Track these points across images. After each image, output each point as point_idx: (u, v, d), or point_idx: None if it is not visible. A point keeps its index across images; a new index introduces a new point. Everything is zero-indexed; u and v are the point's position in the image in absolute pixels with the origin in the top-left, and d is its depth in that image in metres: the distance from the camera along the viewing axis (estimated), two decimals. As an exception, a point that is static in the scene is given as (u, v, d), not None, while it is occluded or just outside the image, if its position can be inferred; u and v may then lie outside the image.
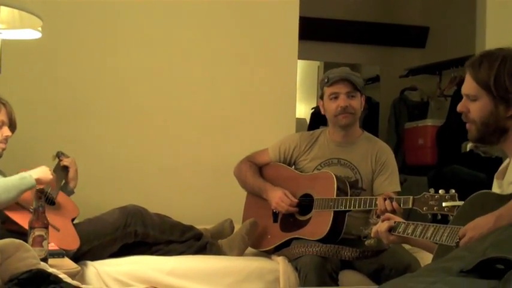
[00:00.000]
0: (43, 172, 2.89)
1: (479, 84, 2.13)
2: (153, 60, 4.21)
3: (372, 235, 2.53)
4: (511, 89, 2.08)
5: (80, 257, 2.89)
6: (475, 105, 2.15)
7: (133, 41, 4.17)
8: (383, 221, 2.48)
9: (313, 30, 6.23)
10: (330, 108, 3.23)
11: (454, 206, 2.44)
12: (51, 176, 2.90)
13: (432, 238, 2.19)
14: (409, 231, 2.35)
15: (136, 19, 4.19)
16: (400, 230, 2.40)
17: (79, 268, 2.61)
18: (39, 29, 2.89)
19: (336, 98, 3.21)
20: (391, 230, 2.44)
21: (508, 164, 2.18)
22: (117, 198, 3.42)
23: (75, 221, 3.08)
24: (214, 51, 4.31)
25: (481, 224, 1.91)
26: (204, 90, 4.28)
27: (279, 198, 3.19)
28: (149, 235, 3.09)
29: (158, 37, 4.22)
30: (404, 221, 2.41)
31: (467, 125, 2.22)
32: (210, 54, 4.30)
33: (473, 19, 4.93)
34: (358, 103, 3.24)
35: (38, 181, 2.83)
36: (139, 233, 3.06)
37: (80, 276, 2.66)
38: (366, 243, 2.61)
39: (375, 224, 2.54)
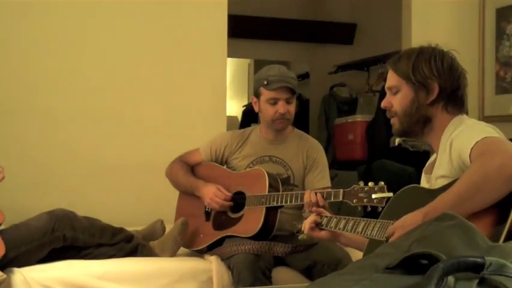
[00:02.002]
0: None
1: (399, 75, 2.23)
2: (81, 59, 4.14)
3: (305, 230, 2.54)
4: (430, 74, 2.18)
5: (6, 264, 2.81)
6: (397, 97, 2.23)
7: (60, 40, 4.08)
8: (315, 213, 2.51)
9: (242, 28, 6.24)
10: (268, 112, 3.24)
11: (383, 198, 2.47)
12: None
13: (363, 233, 2.22)
14: (340, 226, 2.37)
15: (61, 18, 4.10)
16: (331, 224, 2.42)
17: (5, 276, 2.55)
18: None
19: (275, 103, 3.21)
20: (321, 225, 2.46)
21: (435, 158, 2.23)
22: (44, 203, 3.33)
23: (1, 228, 2.99)
24: (142, 50, 4.26)
25: (409, 221, 1.93)
26: (132, 90, 4.23)
27: (213, 194, 3.18)
28: (78, 239, 3.03)
29: (88, 37, 4.15)
30: (336, 216, 2.44)
31: (392, 120, 2.28)
32: (139, 53, 4.25)
33: (399, 16, 5.02)
34: (294, 107, 3.27)
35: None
36: (68, 237, 2.99)
37: (6, 284, 2.59)
38: (299, 237, 2.62)
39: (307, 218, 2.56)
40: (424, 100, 2.19)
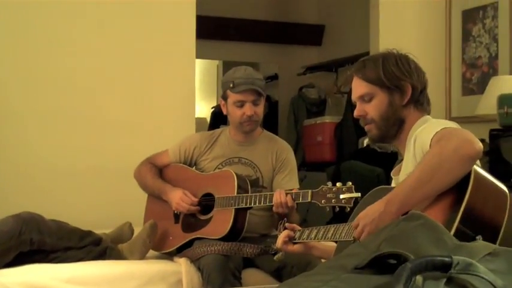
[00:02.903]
0: None
1: (370, 82, 2.24)
2: (47, 60, 4.09)
3: (279, 246, 2.54)
4: (401, 75, 2.22)
5: (-29, 269, 2.77)
6: (372, 104, 2.24)
7: (26, 42, 4.04)
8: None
9: (211, 29, 6.24)
10: (235, 114, 3.23)
11: (351, 198, 2.50)
12: None
13: (333, 237, 2.25)
14: (312, 236, 2.40)
15: (28, 19, 4.06)
16: (304, 236, 2.45)
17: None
18: None
19: (242, 105, 3.21)
20: (294, 239, 2.47)
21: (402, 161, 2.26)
22: (10, 206, 3.29)
23: (-34, 231, 2.95)
24: (110, 52, 4.22)
25: (372, 210, 1.99)
26: (100, 92, 4.19)
27: (179, 198, 3.17)
28: (46, 242, 2.99)
29: (54, 38, 4.11)
30: (308, 228, 2.46)
31: (367, 127, 2.29)
32: (106, 54, 4.21)
33: (367, 17, 5.06)
34: (262, 109, 3.27)
35: None
36: (35, 241, 2.96)
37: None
38: (275, 258, 2.63)
39: None
40: (399, 102, 2.22)
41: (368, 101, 2.25)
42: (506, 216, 1.83)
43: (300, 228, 2.53)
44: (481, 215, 1.80)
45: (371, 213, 1.98)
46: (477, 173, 1.85)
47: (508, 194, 1.88)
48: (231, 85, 3.20)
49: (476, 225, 1.74)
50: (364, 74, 2.25)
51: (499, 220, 1.82)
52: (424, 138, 2.01)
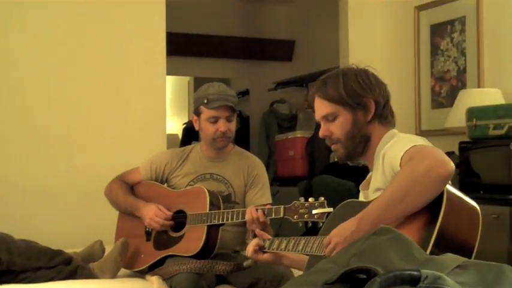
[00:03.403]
0: None
1: (333, 101, 2.22)
2: (9, 77, 4.04)
3: (249, 254, 2.54)
4: (363, 92, 2.19)
5: None
6: (336, 124, 2.22)
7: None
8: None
9: (181, 46, 6.24)
10: (209, 130, 3.22)
11: (323, 213, 2.49)
12: None
13: (303, 250, 2.23)
14: (282, 247, 2.38)
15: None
16: (274, 246, 2.43)
17: None
18: None
19: (216, 121, 3.20)
20: (263, 247, 2.46)
21: (371, 175, 2.25)
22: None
23: None
24: (80, 67, 4.20)
25: (344, 228, 1.97)
26: (70, 109, 4.16)
27: (153, 213, 3.14)
28: (15, 262, 2.95)
29: (19, 55, 4.07)
30: (278, 238, 2.45)
31: (333, 147, 2.27)
32: (76, 70, 4.19)
33: (337, 32, 5.10)
34: (235, 125, 3.27)
35: None
36: (3, 261, 2.91)
37: None
38: (244, 264, 2.62)
39: None
40: (363, 119, 2.20)
41: (332, 121, 2.22)
42: (479, 235, 1.84)
43: (270, 236, 2.52)
44: (454, 237, 1.81)
45: (343, 231, 1.97)
46: (449, 194, 1.85)
47: (479, 212, 1.89)
48: (205, 101, 3.20)
49: (450, 247, 1.73)
50: (325, 93, 2.23)
51: (472, 240, 1.83)
52: (394, 156, 2.00)
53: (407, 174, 1.88)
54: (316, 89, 2.27)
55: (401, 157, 1.95)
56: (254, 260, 2.54)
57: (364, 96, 2.19)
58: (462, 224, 1.86)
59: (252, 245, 2.50)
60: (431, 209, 1.85)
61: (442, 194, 1.84)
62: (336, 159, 2.33)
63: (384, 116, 2.23)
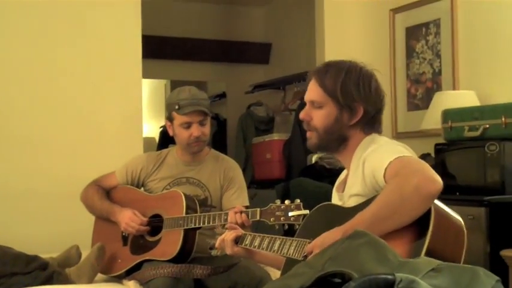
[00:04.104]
0: None
1: (326, 91, 2.18)
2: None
3: (217, 245, 2.53)
4: (357, 97, 2.16)
5: None
6: (319, 112, 2.19)
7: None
8: (230, 230, 2.50)
9: (158, 49, 6.22)
10: (182, 136, 3.22)
11: (300, 215, 2.49)
12: None
13: (279, 251, 2.20)
14: (255, 244, 2.36)
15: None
16: (246, 242, 2.41)
17: None
18: None
19: (189, 127, 3.19)
20: (238, 241, 2.45)
21: (346, 176, 2.25)
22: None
23: None
24: (55, 70, 4.17)
25: (328, 238, 1.92)
26: (45, 112, 4.13)
27: (129, 219, 3.13)
28: (-10, 269, 2.93)
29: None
30: (252, 233, 2.43)
31: (308, 133, 2.24)
32: (52, 73, 4.16)
33: (313, 35, 5.11)
34: (209, 128, 3.27)
35: None
36: (-22, 268, 2.89)
37: None
38: (212, 253, 2.61)
39: (221, 234, 2.55)
40: (347, 121, 2.17)
41: (317, 108, 2.19)
42: (465, 250, 1.84)
43: (242, 231, 2.50)
44: (442, 253, 1.79)
45: (327, 242, 1.88)
46: (437, 210, 1.84)
47: (464, 227, 1.88)
48: (177, 107, 3.19)
49: None
50: (322, 80, 2.19)
51: (459, 255, 1.82)
52: (376, 165, 1.98)
53: (396, 191, 1.85)
54: (316, 72, 2.24)
55: (385, 168, 1.93)
56: (223, 251, 2.52)
57: (357, 102, 2.16)
58: (449, 240, 1.84)
59: (231, 236, 2.47)
60: (418, 224, 1.83)
61: (429, 209, 1.82)
62: (308, 147, 2.30)
63: (369, 125, 2.20)
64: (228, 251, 2.48)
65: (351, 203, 2.09)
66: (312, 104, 2.22)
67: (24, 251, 3.11)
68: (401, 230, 1.85)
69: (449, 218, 1.89)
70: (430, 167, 1.89)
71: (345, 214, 1.98)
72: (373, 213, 1.88)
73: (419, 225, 1.82)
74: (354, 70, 2.20)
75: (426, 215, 1.82)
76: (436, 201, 1.86)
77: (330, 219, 2.00)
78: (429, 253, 1.75)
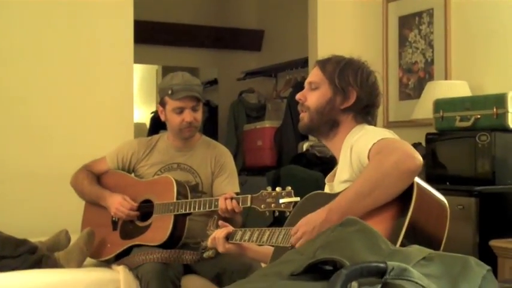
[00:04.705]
0: None
1: (324, 73, 2.27)
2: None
3: (209, 244, 2.54)
4: (353, 83, 2.24)
5: None
6: (314, 93, 2.27)
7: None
8: (221, 227, 2.51)
9: (149, 34, 6.19)
10: (175, 121, 3.21)
11: (290, 202, 2.51)
12: None
13: (268, 241, 2.24)
14: (245, 238, 2.38)
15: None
16: (237, 237, 2.43)
17: None
18: None
19: (181, 112, 3.19)
20: (228, 237, 2.46)
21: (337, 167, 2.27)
22: None
23: None
24: (46, 56, 4.14)
25: (313, 218, 1.99)
26: (35, 96, 4.10)
27: (118, 203, 3.13)
28: (-22, 252, 2.92)
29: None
30: (242, 228, 2.45)
31: (301, 114, 2.32)
32: (43, 59, 4.13)
33: (305, 23, 5.09)
34: (201, 114, 3.27)
35: None
36: (-33, 251, 2.88)
37: None
38: (204, 255, 2.62)
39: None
40: (339, 104, 2.24)
41: (313, 89, 2.28)
42: (447, 229, 1.87)
43: (232, 228, 2.52)
44: (424, 229, 1.83)
45: (312, 221, 1.98)
46: (419, 187, 1.88)
47: (447, 206, 1.91)
48: (170, 92, 3.18)
49: (420, 239, 1.75)
50: (324, 64, 2.29)
51: (441, 233, 1.86)
52: (361, 148, 2.03)
53: (376, 167, 1.90)
54: (321, 60, 2.34)
55: (369, 149, 1.97)
56: (215, 250, 2.54)
57: (351, 86, 2.23)
58: (431, 217, 1.89)
59: (222, 233, 2.48)
60: (401, 201, 1.87)
61: (412, 187, 1.86)
62: (299, 128, 2.36)
63: (361, 115, 2.26)
64: (220, 249, 2.49)
65: (340, 189, 2.11)
66: (309, 85, 2.31)
67: (13, 235, 3.10)
68: (384, 207, 1.90)
69: (432, 195, 1.94)
70: (410, 145, 1.94)
71: (331, 198, 2.02)
72: (355, 191, 1.93)
73: (402, 203, 1.86)
74: (356, 62, 2.30)
75: (409, 193, 1.86)
76: (419, 181, 1.90)
77: (318, 206, 2.02)
78: (412, 225, 1.79)
